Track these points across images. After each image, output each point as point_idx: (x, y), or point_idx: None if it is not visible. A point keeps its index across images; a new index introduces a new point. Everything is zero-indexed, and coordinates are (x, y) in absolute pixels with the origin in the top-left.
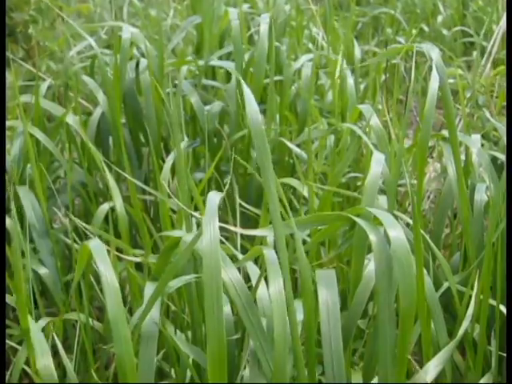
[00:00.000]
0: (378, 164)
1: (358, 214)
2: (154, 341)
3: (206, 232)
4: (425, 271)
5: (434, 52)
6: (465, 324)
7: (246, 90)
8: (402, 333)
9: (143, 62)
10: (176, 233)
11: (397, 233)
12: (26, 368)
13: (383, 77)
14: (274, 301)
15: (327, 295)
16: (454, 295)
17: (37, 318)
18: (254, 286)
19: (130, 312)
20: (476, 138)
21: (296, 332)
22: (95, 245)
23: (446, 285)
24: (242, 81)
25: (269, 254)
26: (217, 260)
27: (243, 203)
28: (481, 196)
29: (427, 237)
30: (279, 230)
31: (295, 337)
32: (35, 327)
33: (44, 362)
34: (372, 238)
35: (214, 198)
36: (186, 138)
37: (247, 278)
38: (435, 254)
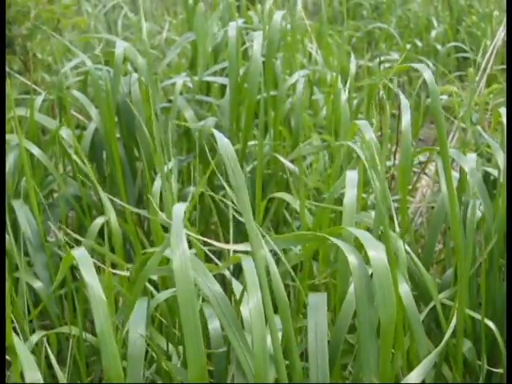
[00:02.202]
0: (352, 184)
1: (339, 234)
2: (141, 357)
3: (176, 251)
4: (407, 289)
5: (427, 72)
6: (446, 336)
7: (217, 134)
8: (382, 348)
9: (134, 76)
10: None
11: (377, 253)
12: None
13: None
14: (254, 314)
15: (315, 317)
16: (439, 311)
17: (31, 331)
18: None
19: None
20: (471, 157)
21: (278, 345)
22: (80, 254)
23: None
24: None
25: (247, 265)
26: (188, 278)
27: (237, 215)
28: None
29: (414, 254)
30: (257, 251)
31: (277, 349)
32: (20, 344)
33: (32, 375)
34: (351, 259)
35: (179, 209)
36: (179, 154)
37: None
38: (421, 271)
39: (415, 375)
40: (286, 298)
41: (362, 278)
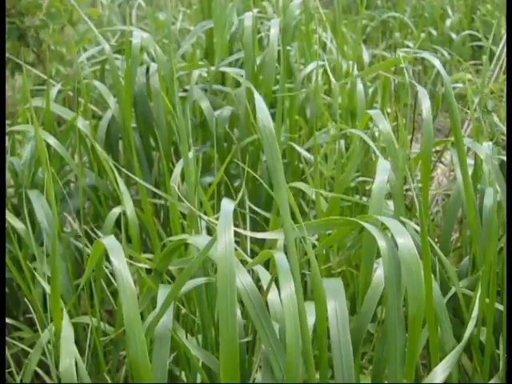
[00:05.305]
0: (383, 172)
1: (366, 221)
2: (167, 344)
3: (221, 239)
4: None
5: (436, 62)
6: (470, 326)
7: (258, 98)
8: (411, 337)
9: (153, 66)
10: (184, 237)
11: (404, 240)
12: (38, 370)
13: (392, 81)
14: (286, 305)
15: (335, 303)
16: (461, 300)
17: (48, 322)
18: (264, 290)
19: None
20: (486, 145)
21: (307, 336)
22: (110, 242)
23: (454, 289)
24: (254, 89)
25: (279, 257)
26: (231, 268)
27: (253, 206)
28: (489, 201)
29: (433, 243)
30: (290, 236)
31: (306, 341)
32: (68, 329)
33: (67, 363)
34: (381, 244)
35: (228, 204)
36: (194, 144)
37: (257, 281)
38: (442, 260)
39: (442, 368)
40: (322, 285)
41: (392, 263)
